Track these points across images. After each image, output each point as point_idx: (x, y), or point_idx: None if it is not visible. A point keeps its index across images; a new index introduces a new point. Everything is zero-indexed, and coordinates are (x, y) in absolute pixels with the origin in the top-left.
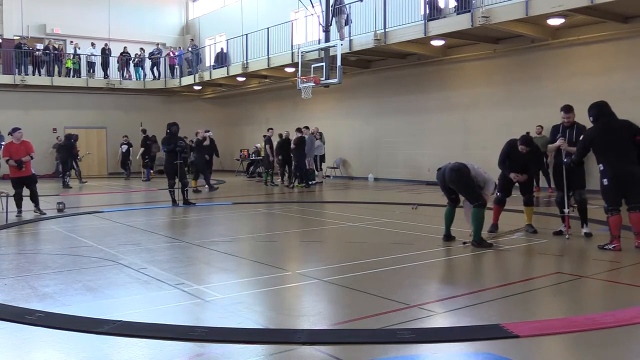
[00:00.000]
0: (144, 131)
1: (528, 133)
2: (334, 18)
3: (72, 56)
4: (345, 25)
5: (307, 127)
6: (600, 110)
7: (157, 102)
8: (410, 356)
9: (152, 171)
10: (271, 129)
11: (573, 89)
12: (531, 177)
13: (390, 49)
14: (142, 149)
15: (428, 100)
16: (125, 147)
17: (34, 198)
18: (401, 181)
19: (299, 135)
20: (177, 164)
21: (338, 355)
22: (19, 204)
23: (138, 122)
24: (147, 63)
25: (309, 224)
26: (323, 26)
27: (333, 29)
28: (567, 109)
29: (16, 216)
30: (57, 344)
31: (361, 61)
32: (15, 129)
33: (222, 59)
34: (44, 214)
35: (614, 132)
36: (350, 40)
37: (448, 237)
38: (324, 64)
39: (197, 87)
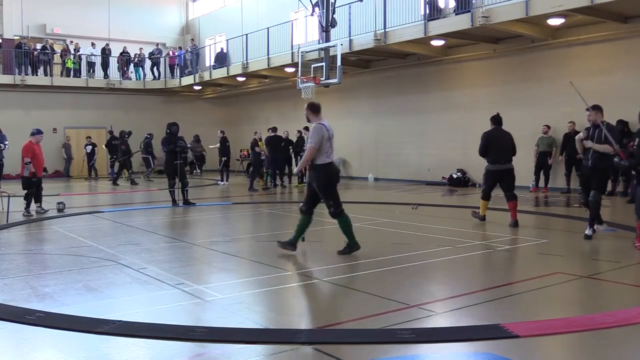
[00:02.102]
0: (110, 132)
1: (498, 113)
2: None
3: (72, 56)
4: (332, 27)
5: (306, 128)
6: None
7: (157, 102)
8: (410, 356)
9: (125, 170)
10: (270, 129)
11: (573, 89)
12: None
13: (390, 49)
14: (106, 149)
15: (428, 100)
16: (89, 148)
17: (39, 198)
18: (401, 181)
19: (272, 134)
20: (178, 164)
21: (338, 355)
22: (29, 203)
23: (138, 122)
24: (147, 63)
25: None
26: (323, 26)
27: (333, 29)
28: (591, 108)
29: (27, 215)
30: (57, 344)
31: (361, 61)
32: (39, 131)
33: (222, 59)
34: (46, 211)
35: None
36: (350, 40)
37: (295, 247)
38: (324, 64)
39: (197, 87)
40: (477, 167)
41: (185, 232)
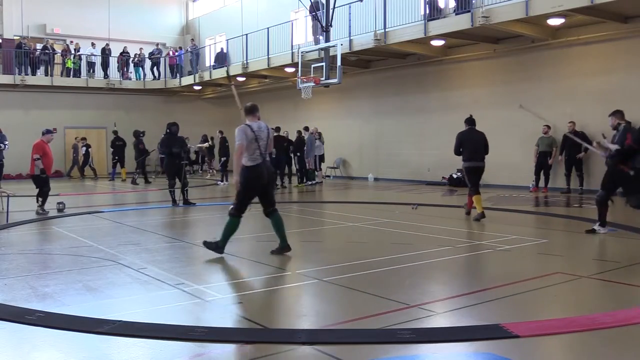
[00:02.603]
0: (115, 132)
1: (471, 115)
2: (315, 21)
3: (72, 56)
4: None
5: (306, 128)
6: None
7: (157, 102)
8: (410, 356)
9: (124, 169)
10: (273, 129)
11: (573, 89)
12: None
13: (390, 49)
14: (111, 150)
15: (428, 100)
16: (84, 149)
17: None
18: (401, 181)
19: (276, 134)
20: (182, 164)
21: (338, 355)
22: (45, 200)
23: (138, 122)
24: (147, 63)
25: (309, 224)
26: (322, 26)
27: (333, 29)
28: (612, 113)
29: (42, 212)
30: (57, 344)
31: (361, 61)
32: (49, 131)
33: (222, 59)
34: (47, 212)
35: None
36: (350, 40)
37: (284, 250)
38: (324, 64)
39: (197, 87)
40: None
41: (185, 232)
